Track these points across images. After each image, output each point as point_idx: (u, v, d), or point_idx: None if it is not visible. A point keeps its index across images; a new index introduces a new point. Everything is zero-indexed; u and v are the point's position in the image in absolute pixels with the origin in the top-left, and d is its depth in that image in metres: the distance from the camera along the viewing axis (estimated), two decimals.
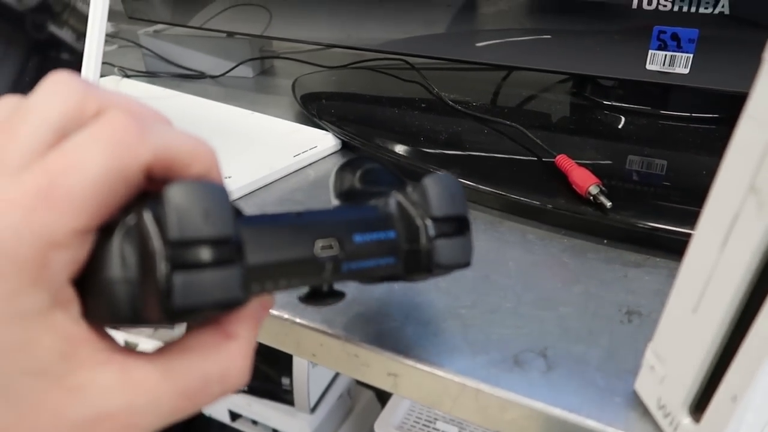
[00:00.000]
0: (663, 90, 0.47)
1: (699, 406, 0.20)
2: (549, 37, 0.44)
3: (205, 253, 0.16)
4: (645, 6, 0.39)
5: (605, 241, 0.34)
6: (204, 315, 0.18)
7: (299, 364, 0.75)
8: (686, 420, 0.20)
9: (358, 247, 0.20)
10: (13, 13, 0.37)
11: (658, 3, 0.38)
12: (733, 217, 0.17)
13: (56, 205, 0.15)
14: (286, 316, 0.29)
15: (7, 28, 0.38)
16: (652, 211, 0.33)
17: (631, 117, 0.47)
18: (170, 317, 0.16)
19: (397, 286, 0.30)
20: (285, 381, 0.76)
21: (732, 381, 0.18)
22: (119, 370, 0.16)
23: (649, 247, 0.33)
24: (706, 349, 0.19)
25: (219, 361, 0.18)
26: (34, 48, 0.37)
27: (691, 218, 0.32)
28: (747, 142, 0.16)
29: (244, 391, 0.80)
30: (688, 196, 0.35)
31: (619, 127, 0.46)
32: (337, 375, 0.83)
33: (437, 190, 0.21)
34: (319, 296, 0.21)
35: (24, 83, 0.38)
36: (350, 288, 0.29)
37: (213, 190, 0.17)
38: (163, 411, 0.17)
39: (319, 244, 0.19)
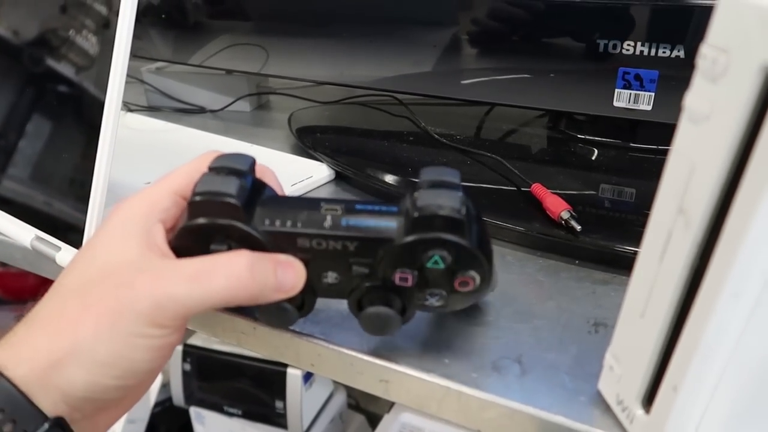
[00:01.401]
0: (631, 124, 0.51)
1: (649, 398, 0.23)
2: (527, 76, 0.48)
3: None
4: (611, 50, 0.43)
5: (576, 261, 0.37)
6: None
7: (293, 388, 0.77)
8: (639, 411, 0.23)
9: (358, 211, 0.26)
10: (10, 46, 0.39)
11: (622, 47, 0.43)
12: (667, 234, 0.21)
13: None
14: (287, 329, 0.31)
15: (4, 60, 0.40)
16: (619, 234, 0.37)
17: (603, 149, 0.51)
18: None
19: None
20: (278, 404, 0.78)
21: (672, 373, 0.21)
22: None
23: (616, 266, 0.36)
24: (651, 348, 0.22)
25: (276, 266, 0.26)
26: (29, 81, 0.39)
27: None
28: (675, 171, 0.20)
29: (238, 415, 0.82)
30: None
31: (592, 158, 0.50)
32: (329, 399, 0.85)
33: (430, 170, 0.26)
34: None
35: (19, 115, 0.39)
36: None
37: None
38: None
39: (325, 206, 0.26)
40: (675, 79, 0.42)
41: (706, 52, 0.18)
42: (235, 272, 0.25)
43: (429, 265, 0.25)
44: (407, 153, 0.50)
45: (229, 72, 0.69)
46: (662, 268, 0.21)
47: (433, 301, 0.27)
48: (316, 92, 0.72)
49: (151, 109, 0.70)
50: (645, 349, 0.22)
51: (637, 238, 0.38)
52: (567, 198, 0.40)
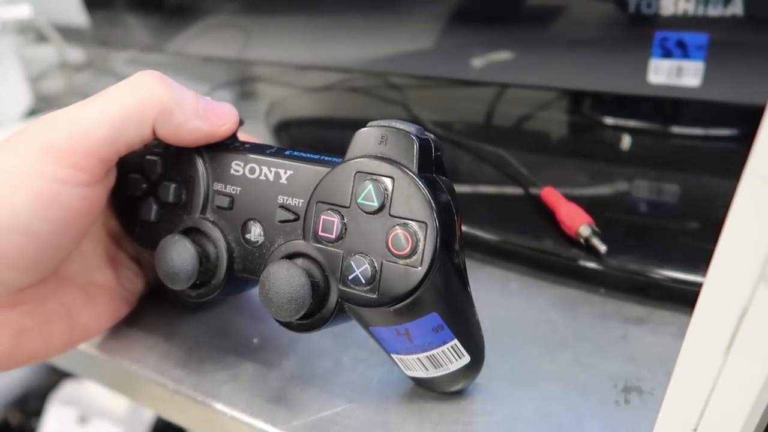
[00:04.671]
0: (672, 104, 0.41)
1: None
2: (541, 48, 0.38)
3: None
4: (644, 9, 0.34)
5: (602, 290, 0.29)
6: None
7: None
8: None
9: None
10: None
11: (659, 5, 0.33)
12: (741, 311, 0.12)
13: None
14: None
15: None
16: (657, 254, 0.28)
17: (636, 136, 0.41)
18: None
19: (346, 357, 0.25)
20: None
21: None
22: None
23: (654, 298, 0.28)
24: None
25: None
26: None
27: (705, 263, 0.26)
28: (754, 208, 0.11)
29: None
30: (703, 234, 0.30)
31: (622, 148, 0.40)
32: None
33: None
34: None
35: None
36: (291, 363, 0.24)
37: None
38: None
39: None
40: (730, 45, 0.32)
41: None
42: (144, 82, 0.21)
43: (360, 200, 0.19)
44: None
45: (207, 59, 0.62)
46: (730, 363, 0.13)
47: (359, 278, 0.19)
48: (305, 78, 0.64)
49: None
50: None
51: (683, 259, 0.28)
52: (590, 202, 0.31)
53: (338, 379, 0.24)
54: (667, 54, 0.34)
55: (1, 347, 0.21)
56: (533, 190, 0.34)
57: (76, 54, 0.73)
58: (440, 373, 0.22)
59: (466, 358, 0.21)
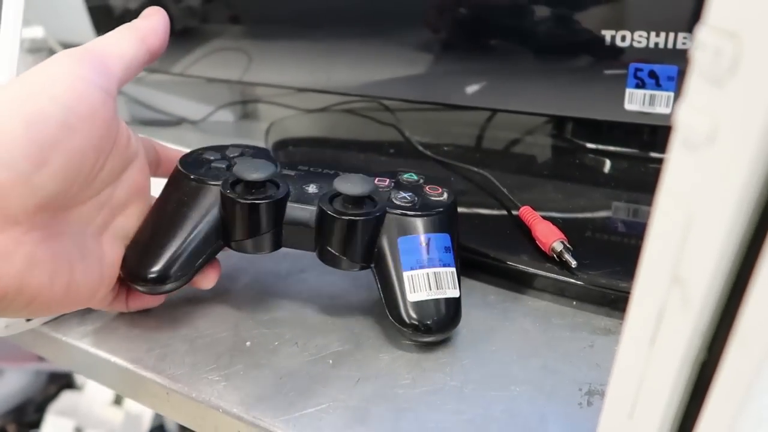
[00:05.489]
0: (650, 130, 0.43)
1: None
2: (525, 76, 0.41)
3: None
4: (618, 42, 0.36)
5: (574, 303, 0.30)
6: None
7: None
8: None
9: None
10: None
11: (632, 39, 0.35)
12: (658, 311, 0.14)
13: None
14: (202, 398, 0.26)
15: None
16: (624, 269, 0.30)
17: (616, 160, 0.43)
18: None
19: (331, 360, 0.27)
20: None
21: None
22: None
23: (621, 310, 0.29)
24: None
25: None
26: None
27: None
28: (666, 223, 0.13)
29: None
30: None
31: (602, 171, 0.42)
32: None
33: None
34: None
35: None
36: (282, 360, 0.26)
37: None
38: None
39: None
40: None
41: (705, 39, 0.11)
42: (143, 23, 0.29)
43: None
44: (384, 166, 0.44)
45: (210, 80, 0.64)
46: (654, 355, 0.14)
47: (407, 198, 0.29)
48: (303, 99, 0.66)
49: (133, 123, 0.65)
50: None
51: None
52: (568, 222, 0.33)
53: (321, 380, 0.26)
54: (640, 84, 0.37)
55: (15, 268, 0.22)
56: (513, 210, 0.36)
57: None
58: (437, 297, 0.26)
59: (457, 292, 0.27)
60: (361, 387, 0.26)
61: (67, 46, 0.26)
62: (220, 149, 0.32)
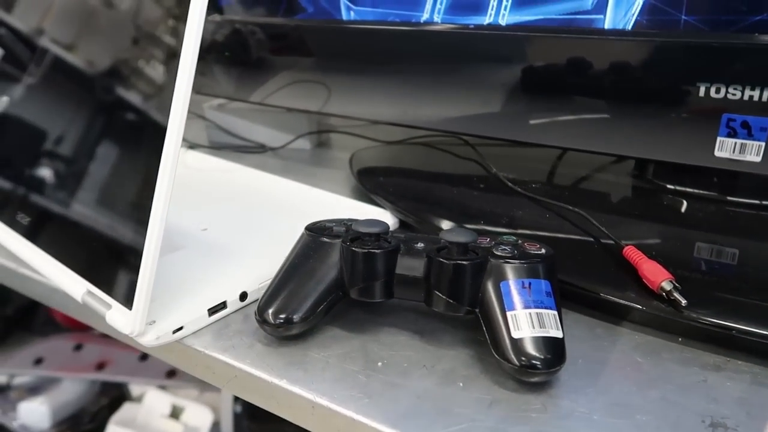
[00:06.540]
0: (730, 175, 0.45)
1: None
2: (610, 118, 0.43)
3: None
4: (713, 94, 0.38)
5: (679, 339, 0.32)
6: None
7: None
8: None
9: None
10: (84, 77, 0.40)
11: (727, 92, 0.38)
12: None
13: None
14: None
15: (78, 90, 0.40)
16: (730, 309, 0.32)
17: (696, 203, 0.45)
18: None
19: (461, 383, 0.29)
20: None
21: None
22: None
23: (727, 348, 0.31)
24: None
25: None
26: (100, 109, 0.39)
27: None
28: None
29: None
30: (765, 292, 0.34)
31: (685, 212, 0.45)
32: None
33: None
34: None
35: (90, 142, 0.39)
36: (415, 381, 0.29)
37: None
38: None
39: None
40: None
41: None
42: None
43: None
44: (478, 202, 0.47)
45: (290, 110, 0.68)
46: None
47: (508, 250, 0.31)
48: (377, 131, 0.69)
49: (212, 147, 0.69)
50: None
51: (751, 313, 0.33)
52: (661, 261, 0.35)
53: (456, 401, 0.28)
54: (732, 133, 0.39)
55: None
56: (611, 247, 0.38)
57: None
58: (541, 334, 0.28)
59: (560, 333, 0.29)
60: (495, 409, 0.28)
61: None
62: (338, 221, 0.37)
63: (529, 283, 0.30)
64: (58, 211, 0.39)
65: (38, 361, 0.94)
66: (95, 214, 0.36)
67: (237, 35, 0.63)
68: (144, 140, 0.34)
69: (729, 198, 0.45)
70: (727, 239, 0.40)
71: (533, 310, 0.29)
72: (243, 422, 0.82)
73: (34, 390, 0.93)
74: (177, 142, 0.30)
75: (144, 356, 0.93)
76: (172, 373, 0.90)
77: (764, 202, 0.44)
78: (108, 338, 0.99)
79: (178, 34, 0.31)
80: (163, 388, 0.89)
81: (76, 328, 1.01)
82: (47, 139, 0.42)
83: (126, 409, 0.85)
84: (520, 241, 0.33)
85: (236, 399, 0.81)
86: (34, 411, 0.87)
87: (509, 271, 0.30)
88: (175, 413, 0.84)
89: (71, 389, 0.94)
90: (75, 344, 0.97)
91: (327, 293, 0.33)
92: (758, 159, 0.38)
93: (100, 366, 0.94)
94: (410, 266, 0.32)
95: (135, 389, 0.93)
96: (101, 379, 0.93)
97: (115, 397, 0.96)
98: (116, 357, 0.94)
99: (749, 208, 0.44)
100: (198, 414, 0.83)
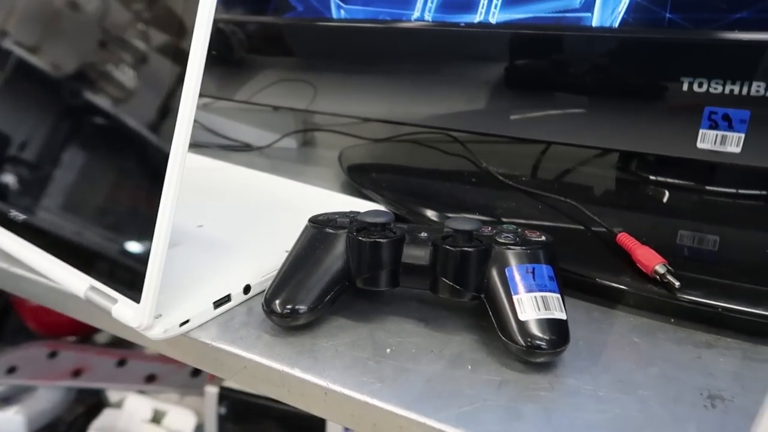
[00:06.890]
0: (709, 166, 0.47)
1: None
2: (598, 112, 0.45)
3: None
4: (696, 89, 0.40)
5: (672, 320, 0.34)
6: None
7: None
8: None
9: None
10: (50, 80, 0.40)
11: (709, 86, 0.40)
12: None
13: None
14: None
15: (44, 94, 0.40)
16: (720, 290, 0.33)
17: (678, 193, 0.47)
18: None
19: (470, 366, 0.30)
20: None
21: None
22: None
23: (718, 326, 0.33)
24: None
25: None
26: (67, 113, 0.39)
27: (758, 298, 0.32)
28: None
29: None
30: (749, 274, 0.35)
31: (667, 202, 0.46)
32: None
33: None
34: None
35: (55, 145, 0.39)
36: (424, 366, 0.29)
37: None
38: None
39: None
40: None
41: None
42: None
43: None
44: (471, 195, 0.48)
45: (276, 108, 0.68)
46: None
47: (511, 238, 0.32)
48: (363, 129, 0.70)
49: (197, 146, 0.68)
50: None
51: (739, 294, 0.34)
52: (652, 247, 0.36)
53: (466, 383, 0.29)
54: (713, 125, 0.41)
55: None
56: (603, 235, 0.39)
57: None
58: (546, 317, 0.29)
59: (564, 315, 0.30)
60: (504, 390, 0.29)
61: None
62: (340, 213, 0.37)
63: (533, 269, 0.31)
64: (54, 208, 0.38)
65: (11, 370, 0.91)
66: (97, 209, 0.36)
67: (223, 34, 0.63)
68: (152, 133, 0.34)
69: (707, 188, 0.47)
70: (708, 227, 0.42)
71: (537, 294, 0.30)
72: (227, 425, 0.81)
73: (8, 399, 0.91)
74: (187, 134, 0.30)
75: (121, 362, 0.91)
76: (151, 378, 0.89)
77: (740, 191, 0.47)
78: (84, 345, 0.97)
79: (187, 35, 0.31)
80: (142, 393, 0.87)
81: (50, 335, 0.99)
82: (43, 133, 0.41)
83: (106, 415, 0.84)
84: (520, 230, 0.34)
85: (220, 401, 0.80)
86: (10, 421, 0.85)
87: (513, 257, 0.31)
88: (157, 418, 0.83)
89: (47, 397, 0.92)
90: (49, 351, 0.95)
91: (333, 283, 0.33)
92: (738, 150, 0.40)
93: (77, 373, 0.92)
94: (416, 255, 0.33)
95: (113, 395, 0.91)
96: (78, 386, 0.91)
97: (92, 404, 0.94)
98: (93, 363, 0.92)
99: (726, 197, 0.46)
100: (181, 417, 0.82)
